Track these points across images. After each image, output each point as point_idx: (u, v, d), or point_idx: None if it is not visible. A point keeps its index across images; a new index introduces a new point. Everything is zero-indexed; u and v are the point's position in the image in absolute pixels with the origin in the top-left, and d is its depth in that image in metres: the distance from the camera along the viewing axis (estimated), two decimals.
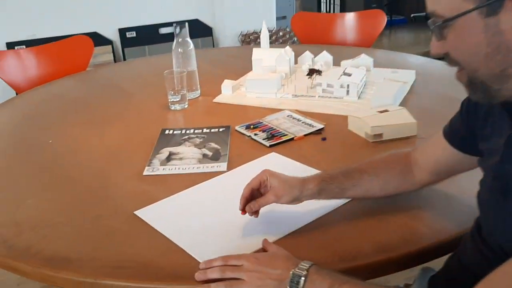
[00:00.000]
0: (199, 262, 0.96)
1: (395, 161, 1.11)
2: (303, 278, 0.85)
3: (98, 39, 3.68)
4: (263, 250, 0.99)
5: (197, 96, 1.85)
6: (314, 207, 1.11)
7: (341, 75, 1.74)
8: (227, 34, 4.14)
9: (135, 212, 1.13)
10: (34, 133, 1.62)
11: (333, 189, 1.06)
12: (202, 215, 1.12)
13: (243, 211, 1.05)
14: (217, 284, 0.90)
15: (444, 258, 1.04)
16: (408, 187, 1.10)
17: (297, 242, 1.02)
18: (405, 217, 1.08)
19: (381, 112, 1.50)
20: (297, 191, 1.04)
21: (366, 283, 0.85)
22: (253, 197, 1.06)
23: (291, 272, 0.87)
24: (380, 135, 1.43)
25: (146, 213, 1.13)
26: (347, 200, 1.12)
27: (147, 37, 3.95)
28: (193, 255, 0.99)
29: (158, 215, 1.13)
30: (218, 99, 1.81)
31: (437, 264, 1.07)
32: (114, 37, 3.93)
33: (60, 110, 1.82)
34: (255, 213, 1.06)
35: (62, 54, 2.44)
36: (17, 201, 1.22)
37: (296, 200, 1.05)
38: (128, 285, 0.94)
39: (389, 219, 1.08)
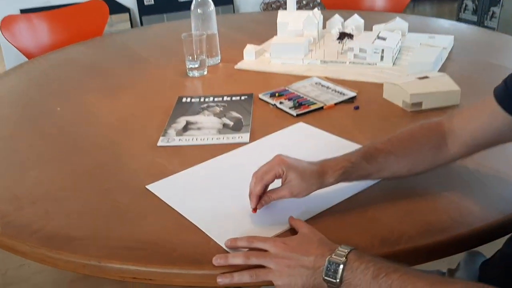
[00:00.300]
0: (216, 244, 0.84)
1: (426, 135, 0.95)
2: (342, 266, 0.73)
3: (115, 7, 3.56)
4: (292, 230, 0.87)
5: (217, 62, 1.71)
6: (349, 183, 0.97)
7: (374, 39, 1.59)
8: (248, 2, 3.97)
9: (147, 186, 1.02)
10: (42, 100, 1.51)
11: (355, 177, 0.92)
12: (222, 191, 1.00)
13: (255, 210, 0.91)
14: (240, 274, 0.79)
15: (497, 242, 0.90)
16: (440, 163, 0.95)
17: (329, 224, 0.89)
18: (453, 195, 0.95)
19: (420, 78, 1.35)
20: (315, 187, 0.89)
21: (419, 272, 0.72)
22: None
23: (327, 259, 0.74)
24: (420, 104, 1.28)
25: (159, 188, 1.01)
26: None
27: (165, 4, 3.81)
28: (210, 235, 0.87)
29: (172, 189, 1.01)
30: (240, 65, 1.68)
31: (485, 249, 0.95)
32: (132, 4, 3.79)
33: (71, 77, 1.70)
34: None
35: (76, 19, 2.31)
36: (18, 172, 1.11)
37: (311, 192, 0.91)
38: (136, 269, 0.82)
39: (435, 197, 0.94)
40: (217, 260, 0.80)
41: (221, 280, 0.79)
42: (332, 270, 0.73)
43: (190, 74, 1.61)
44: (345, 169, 0.90)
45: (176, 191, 1.01)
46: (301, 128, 1.23)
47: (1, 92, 1.60)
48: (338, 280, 0.73)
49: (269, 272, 0.78)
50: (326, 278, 0.74)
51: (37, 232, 0.91)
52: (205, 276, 0.81)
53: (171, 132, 1.24)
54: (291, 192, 0.88)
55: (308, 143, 1.16)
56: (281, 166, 0.88)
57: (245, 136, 1.20)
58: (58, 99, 1.50)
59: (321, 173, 0.89)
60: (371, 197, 0.95)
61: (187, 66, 1.61)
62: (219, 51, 1.72)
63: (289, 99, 1.37)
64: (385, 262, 0.72)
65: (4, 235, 0.91)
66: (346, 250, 0.74)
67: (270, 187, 0.91)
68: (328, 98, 1.37)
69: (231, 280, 0.79)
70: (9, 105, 1.50)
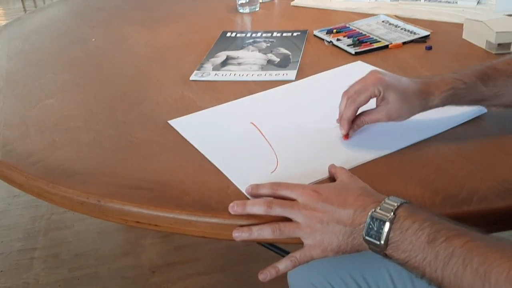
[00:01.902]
0: (237, 189, 0.69)
1: None
2: (388, 224, 0.55)
3: None
4: (330, 180, 0.69)
5: None
6: (410, 128, 0.79)
7: None
8: None
9: (169, 121, 0.87)
10: (78, 30, 1.40)
11: (467, 101, 0.75)
12: (253, 132, 0.83)
13: (347, 136, 0.77)
14: (260, 228, 0.63)
15: None
16: None
17: (380, 174, 0.71)
18: None
19: (510, 15, 1.11)
20: (418, 109, 0.74)
21: (493, 239, 0.52)
22: None
23: (369, 214, 0.57)
24: (508, 45, 1.05)
25: (182, 123, 0.86)
26: (467, 118, 0.81)
27: None
28: (230, 178, 0.71)
29: (196, 127, 0.86)
30: (297, 2, 1.48)
31: None
32: None
33: (114, 8, 1.57)
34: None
35: None
36: (34, 100, 1.00)
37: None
38: (139, 212, 0.68)
39: None
40: (233, 208, 0.64)
41: (237, 234, 0.64)
42: (375, 229, 0.56)
43: (241, 10, 1.44)
44: (456, 90, 0.73)
45: (200, 128, 0.85)
46: (359, 67, 1.03)
47: (39, 22, 1.50)
48: (382, 242, 0.55)
49: (296, 227, 0.62)
50: (367, 238, 0.57)
51: (37, 163, 0.79)
52: (218, 226, 0.65)
53: (208, 66, 1.08)
54: (389, 115, 0.74)
55: None
56: (378, 85, 0.72)
57: (291, 73, 1.02)
58: (96, 29, 1.38)
59: (426, 93, 0.73)
60: (437, 146, 0.75)
61: (237, 1, 1.44)
62: None
63: (349, 37, 1.17)
64: (447, 223, 0.54)
65: (2, 164, 0.80)
66: (395, 204, 0.56)
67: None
68: (396, 36, 1.16)
69: (249, 236, 0.64)
70: (43, 34, 1.39)
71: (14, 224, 1.92)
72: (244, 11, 1.44)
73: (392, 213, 0.55)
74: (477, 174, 0.69)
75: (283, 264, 0.64)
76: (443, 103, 0.74)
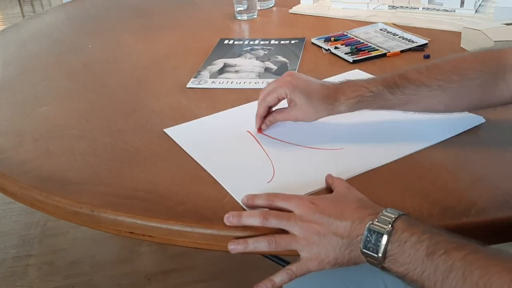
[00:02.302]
0: (233, 199, 0.68)
1: (478, 67, 0.74)
2: (385, 237, 0.54)
3: None
4: (327, 191, 0.69)
5: (270, 6, 1.53)
6: (408, 138, 0.78)
7: None
8: None
9: (165, 130, 0.86)
10: (75, 37, 1.39)
11: (376, 107, 0.77)
12: (250, 141, 0.82)
13: (260, 129, 0.83)
14: (256, 240, 0.62)
15: None
16: (489, 103, 0.76)
17: (376, 185, 0.70)
18: None
19: (508, 24, 1.11)
20: (324, 113, 0.78)
21: (492, 250, 0.51)
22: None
23: (366, 226, 0.56)
24: None
25: (178, 132, 0.86)
26: (466, 128, 0.80)
27: None
28: (226, 188, 0.70)
29: (193, 135, 0.85)
30: (295, 9, 1.48)
31: None
32: None
33: (112, 16, 1.57)
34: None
35: None
36: (29, 107, 0.99)
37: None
38: (133, 222, 0.67)
39: None
40: (229, 219, 0.63)
41: (233, 247, 0.63)
42: (373, 241, 0.55)
43: (239, 17, 1.44)
44: (362, 97, 0.75)
45: (196, 137, 0.84)
46: (357, 75, 1.02)
47: (36, 28, 1.50)
48: (380, 255, 0.54)
49: (292, 240, 0.61)
50: (364, 251, 0.56)
51: (30, 172, 0.78)
52: (213, 237, 0.65)
53: (205, 73, 1.08)
54: (296, 116, 0.80)
55: None
56: (285, 89, 0.78)
57: None
58: (93, 37, 1.38)
59: (332, 99, 0.76)
60: (434, 157, 0.75)
61: (235, 8, 1.43)
62: None
63: (347, 45, 1.17)
64: (445, 235, 0.53)
65: None
66: (393, 216, 0.55)
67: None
68: (394, 45, 1.16)
69: (245, 248, 0.63)
70: (40, 40, 1.39)
71: (9, 231, 1.90)
72: (242, 18, 1.43)
73: (389, 225, 0.54)
74: (475, 185, 0.68)
75: (279, 277, 0.63)
76: (350, 109, 0.77)
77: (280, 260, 1.41)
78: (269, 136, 0.82)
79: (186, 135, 0.85)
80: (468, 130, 0.80)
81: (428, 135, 0.79)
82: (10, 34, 1.45)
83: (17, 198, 0.77)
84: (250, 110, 0.91)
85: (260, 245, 0.62)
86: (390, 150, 0.76)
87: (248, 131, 0.84)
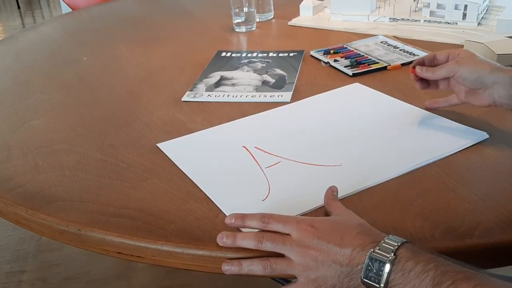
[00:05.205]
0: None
1: None
2: (388, 266, 0.51)
3: None
4: (325, 213, 0.65)
5: (269, 18, 1.50)
6: (409, 152, 0.76)
7: None
8: None
9: (158, 144, 0.84)
10: (70, 49, 1.37)
11: None
12: (245, 157, 0.79)
13: (413, 68, 0.83)
14: (251, 262, 0.59)
15: None
16: None
17: (373, 204, 0.67)
18: None
19: (511, 37, 1.08)
20: (486, 66, 0.76)
21: (504, 283, 0.48)
22: None
23: (368, 254, 0.53)
24: (509, 67, 1.01)
25: (172, 147, 0.83)
26: (468, 144, 0.77)
27: None
28: (220, 207, 0.68)
29: (186, 150, 0.82)
30: (294, 22, 1.46)
31: None
32: None
33: (108, 28, 1.55)
34: (420, 82, 0.85)
35: None
36: (20, 120, 0.97)
37: (480, 81, 0.76)
38: (121, 242, 0.64)
39: None
40: (222, 239, 0.61)
41: (227, 268, 0.60)
42: (375, 271, 0.51)
43: (237, 29, 1.41)
44: None
45: (190, 152, 0.82)
46: (357, 89, 1.00)
47: (32, 40, 1.48)
48: (382, 285, 0.51)
49: (288, 265, 0.58)
50: (365, 280, 0.53)
51: (17, 188, 0.75)
52: (204, 258, 0.62)
53: (201, 87, 1.05)
54: (458, 61, 0.79)
55: (364, 106, 0.93)
56: (460, 50, 0.81)
57: (286, 95, 0.99)
58: (88, 49, 1.35)
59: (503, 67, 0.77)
60: (436, 174, 0.72)
61: (233, 21, 1.41)
62: (272, 7, 1.51)
63: (346, 58, 1.14)
64: (452, 264, 0.50)
65: None
66: (396, 244, 0.52)
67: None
68: (394, 58, 1.13)
69: (239, 271, 0.60)
70: (35, 52, 1.36)
71: (3, 246, 1.87)
72: (241, 31, 1.41)
73: (392, 254, 0.51)
74: (479, 205, 0.65)
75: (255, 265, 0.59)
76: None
77: (284, 280, 1.37)
78: (265, 152, 0.80)
79: (180, 150, 0.82)
80: (471, 146, 0.77)
81: (429, 151, 0.76)
82: (5, 46, 1.43)
83: (3, 215, 0.74)
84: (246, 125, 0.89)
85: (255, 268, 0.59)
86: (389, 166, 0.73)
87: (244, 146, 0.82)
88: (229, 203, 0.68)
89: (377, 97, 0.96)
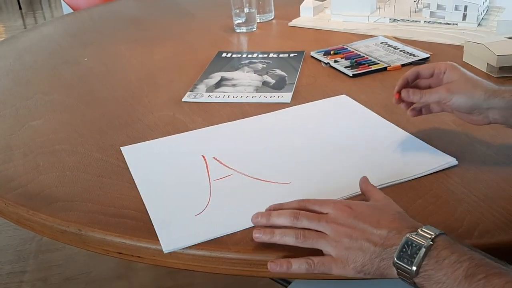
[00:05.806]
0: None
1: None
2: (423, 250, 0.51)
3: None
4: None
5: (269, 19, 1.51)
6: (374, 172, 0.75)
7: None
8: None
9: (121, 148, 0.84)
10: (71, 50, 1.37)
11: None
12: (199, 166, 0.77)
13: (398, 94, 0.77)
14: (283, 231, 0.59)
15: None
16: None
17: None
18: None
19: (511, 38, 1.09)
20: (481, 92, 0.71)
21: None
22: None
23: (404, 236, 0.53)
24: (510, 68, 1.02)
25: (134, 151, 0.83)
26: (440, 167, 0.74)
27: None
28: (152, 218, 0.67)
29: (146, 156, 0.82)
30: (294, 22, 1.46)
31: None
32: None
33: (108, 29, 1.55)
34: (412, 110, 0.79)
35: None
36: (21, 121, 0.97)
37: (475, 108, 0.72)
38: (122, 242, 0.65)
39: None
40: (257, 218, 0.61)
41: (258, 235, 0.60)
42: (409, 253, 0.52)
43: (237, 30, 1.42)
44: None
45: (149, 158, 0.81)
46: (340, 102, 0.95)
47: (33, 40, 1.48)
48: (414, 268, 0.51)
49: (321, 237, 0.57)
50: (398, 262, 0.52)
51: (19, 188, 0.76)
52: (204, 259, 0.62)
53: (201, 87, 1.05)
54: (449, 89, 0.73)
55: (341, 121, 0.89)
56: (446, 66, 0.75)
57: (286, 96, 0.99)
58: (89, 49, 1.36)
59: (495, 87, 0.72)
60: (435, 175, 0.72)
61: (234, 21, 1.42)
62: (272, 7, 1.51)
63: (346, 58, 1.14)
64: (486, 259, 0.50)
65: None
66: (434, 232, 0.53)
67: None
68: (394, 59, 1.13)
69: (270, 238, 0.59)
70: (36, 52, 1.37)
71: (4, 246, 1.87)
72: (241, 31, 1.41)
73: (430, 240, 0.52)
74: (478, 205, 0.65)
75: (297, 263, 0.58)
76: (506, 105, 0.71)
77: (283, 280, 1.37)
78: (221, 163, 0.77)
79: (141, 155, 0.82)
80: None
81: (396, 171, 0.72)
82: (6, 47, 1.44)
83: (4, 215, 0.74)
84: (216, 133, 0.88)
85: (287, 237, 0.58)
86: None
87: (203, 156, 0.80)
88: (161, 214, 0.67)
89: (359, 112, 0.91)
